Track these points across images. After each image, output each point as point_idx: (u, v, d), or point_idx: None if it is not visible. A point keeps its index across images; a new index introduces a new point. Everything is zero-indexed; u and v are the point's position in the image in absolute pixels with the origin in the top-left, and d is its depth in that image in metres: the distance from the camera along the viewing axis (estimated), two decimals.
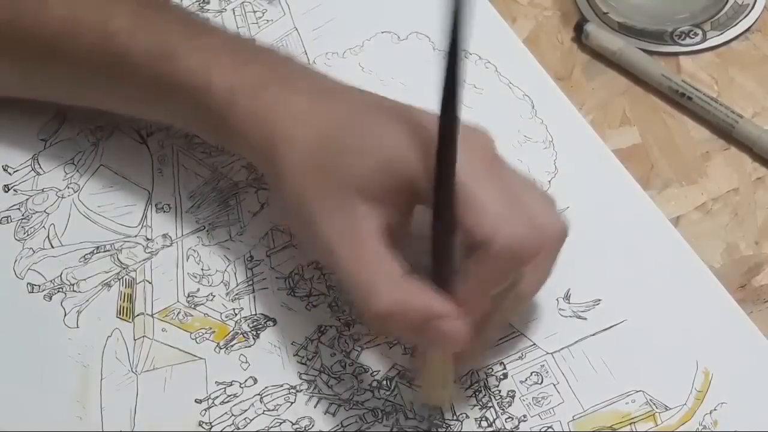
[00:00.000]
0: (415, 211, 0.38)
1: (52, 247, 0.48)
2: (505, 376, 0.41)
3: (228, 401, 0.42)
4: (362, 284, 0.36)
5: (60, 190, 0.50)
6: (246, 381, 0.42)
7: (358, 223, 0.37)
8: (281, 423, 0.41)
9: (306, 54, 0.53)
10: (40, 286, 0.46)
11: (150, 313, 0.45)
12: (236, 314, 0.44)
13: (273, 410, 0.41)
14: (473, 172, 0.35)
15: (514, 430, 0.39)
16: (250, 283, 0.45)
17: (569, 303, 0.42)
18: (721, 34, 0.52)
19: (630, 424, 0.39)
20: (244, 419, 0.41)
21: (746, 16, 0.52)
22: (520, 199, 0.36)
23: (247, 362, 0.43)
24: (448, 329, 0.35)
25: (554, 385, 0.40)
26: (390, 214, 0.37)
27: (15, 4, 0.46)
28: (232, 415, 0.41)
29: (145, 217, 0.48)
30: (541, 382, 0.40)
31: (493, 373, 0.41)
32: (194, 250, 0.47)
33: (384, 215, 0.37)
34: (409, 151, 0.36)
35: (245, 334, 0.44)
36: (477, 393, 0.40)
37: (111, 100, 0.47)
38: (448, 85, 0.33)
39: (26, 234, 0.48)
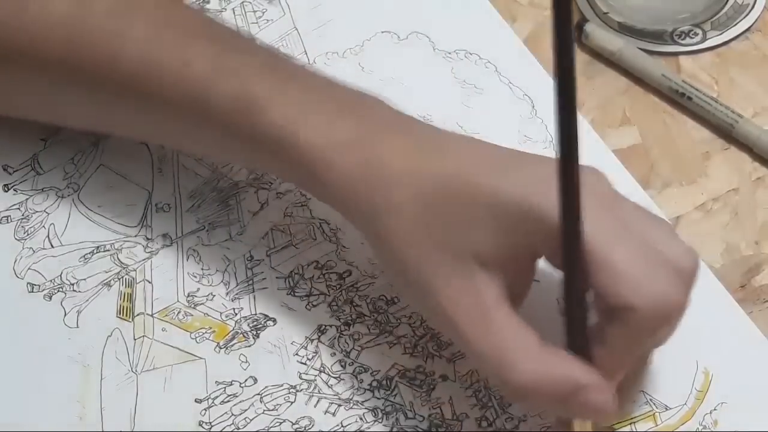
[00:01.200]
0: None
1: (52, 246, 0.48)
2: None
3: (228, 401, 0.42)
4: (496, 358, 0.33)
5: (60, 190, 0.50)
6: (246, 381, 0.42)
7: (480, 292, 0.34)
8: (281, 423, 0.41)
9: (306, 54, 0.53)
10: (39, 285, 0.46)
11: (150, 313, 0.45)
12: (236, 314, 0.44)
13: (273, 410, 0.41)
14: (598, 227, 0.32)
15: (514, 430, 0.39)
16: (250, 282, 0.45)
17: None
18: (722, 33, 0.52)
19: (630, 423, 0.39)
20: (244, 419, 0.41)
21: (746, 15, 0.52)
22: (651, 244, 0.33)
23: (247, 362, 0.43)
24: (598, 401, 0.33)
25: None
26: (511, 278, 0.35)
27: (91, 39, 0.42)
28: (232, 414, 0.41)
29: (145, 216, 0.48)
30: None
31: None
32: (194, 250, 0.47)
33: (505, 280, 0.34)
34: (528, 212, 0.33)
35: (245, 334, 0.44)
36: (477, 392, 0.40)
37: (185, 142, 0.45)
38: (565, 136, 0.29)
39: (26, 234, 0.48)
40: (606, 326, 0.33)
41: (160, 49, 0.41)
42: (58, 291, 0.46)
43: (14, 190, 0.50)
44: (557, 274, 0.39)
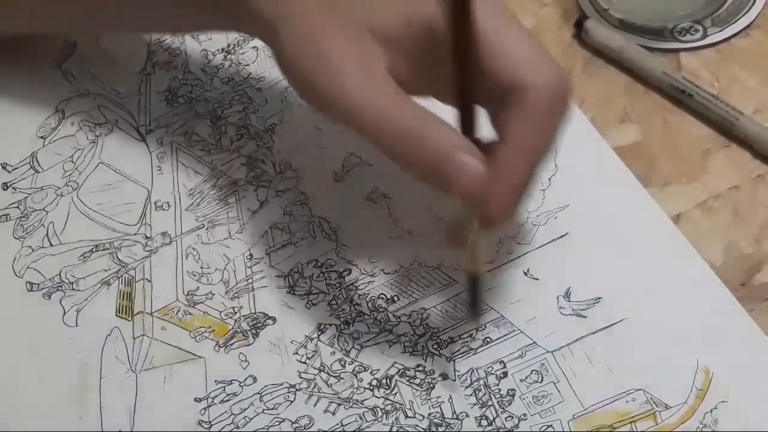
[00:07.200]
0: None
1: (51, 245, 0.47)
2: (505, 374, 0.41)
3: (227, 400, 0.41)
4: (365, 107, 0.35)
5: (59, 188, 0.50)
6: (245, 380, 0.42)
7: (369, 55, 0.36)
8: (281, 422, 0.41)
9: None
10: (39, 284, 0.46)
11: (149, 312, 0.45)
12: (236, 312, 0.44)
13: (272, 409, 0.41)
14: (492, 16, 0.34)
15: (514, 429, 0.39)
16: (250, 281, 0.45)
17: (569, 301, 0.42)
18: (722, 30, 0.51)
19: (630, 422, 0.39)
20: (244, 418, 0.41)
21: (747, 12, 0.52)
22: (541, 43, 0.35)
23: (246, 361, 0.43)
24: (469, 166, 0.33)
25: (554, 384, 0.40)
26: (404, 60, 0.36)
27: None
28: (232, 414, 0.41)
29: (144, 215, 0.48)
30: (541, 380, 0.40)
31: (493, 371, 0.41)
32: (193, 248, 0.47)
33: (398, 59, 0.36)
34: None
35: (245, 333, 0.43)
36: (477, 392, 0.40)
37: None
38: None
39: (25, 232, 0.48)
40: (503, 119, 0.34)
41: None
42: (58, 290, 0.46)
43: (13, 188, 0.50)
44: (556, 272, 0.39)
